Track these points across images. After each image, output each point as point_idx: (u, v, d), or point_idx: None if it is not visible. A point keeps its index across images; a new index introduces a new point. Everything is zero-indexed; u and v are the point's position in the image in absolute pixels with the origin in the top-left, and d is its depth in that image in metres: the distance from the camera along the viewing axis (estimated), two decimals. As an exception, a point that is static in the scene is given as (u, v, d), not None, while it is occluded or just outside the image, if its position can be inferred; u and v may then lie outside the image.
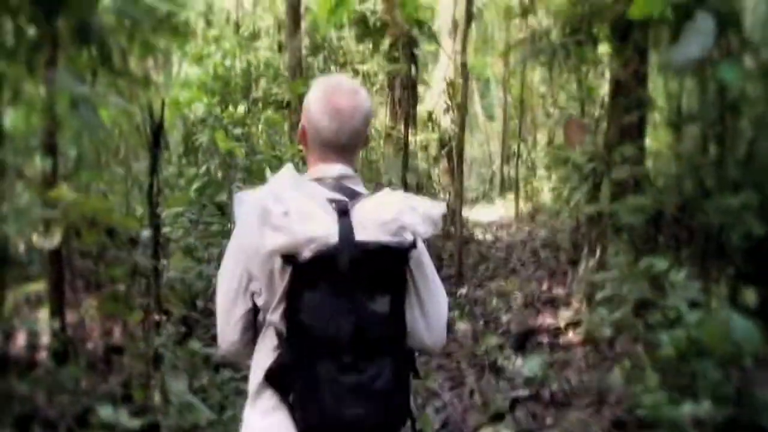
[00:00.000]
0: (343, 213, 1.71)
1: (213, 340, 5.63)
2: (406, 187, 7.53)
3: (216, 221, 4.78)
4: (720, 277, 4.86)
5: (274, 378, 1.73)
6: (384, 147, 10.04)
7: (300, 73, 6.85)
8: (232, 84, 6.86)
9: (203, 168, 5.30)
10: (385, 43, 9.60)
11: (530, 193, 14.21)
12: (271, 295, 1.73)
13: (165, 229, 4.39)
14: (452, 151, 10.04)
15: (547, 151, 16.94)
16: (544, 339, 5.77)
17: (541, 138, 20.40)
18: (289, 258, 1.63)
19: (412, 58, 9.59)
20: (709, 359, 3.55)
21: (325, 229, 1.65)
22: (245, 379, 3.66)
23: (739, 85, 4.35)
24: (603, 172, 5.57)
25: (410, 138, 10.13)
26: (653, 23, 5.12)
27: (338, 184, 1.80)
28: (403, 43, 8.83)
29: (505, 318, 6.62)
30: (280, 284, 1.69)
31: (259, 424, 1.77)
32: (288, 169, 1.80)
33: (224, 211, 4.64)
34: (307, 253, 1.63)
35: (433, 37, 10.70)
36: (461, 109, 8.14)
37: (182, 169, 4.95)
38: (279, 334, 1.72)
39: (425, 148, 10.21)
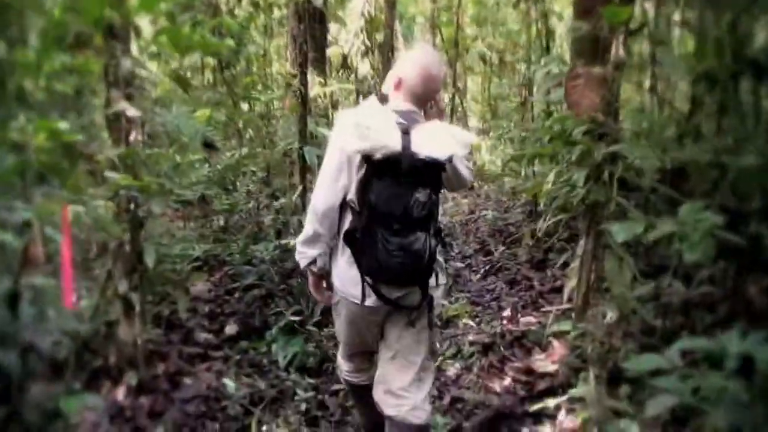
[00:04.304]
0: (405, 132, 2.62)
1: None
2: (303, 162, 5.14)
3: None
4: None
5: (348, 238, 2.68)
6: (283, 101, 7.52)
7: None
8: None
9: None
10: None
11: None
12: (351, 181, 2.65)
13: None
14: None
15: (482, 101, 14.75)
16: (522, 429, 3.57)
17: (472, 86, 18.18)
18: (367, 157, 2.57)
19: (319, -19, 7.08)
20: None
21: (393, 142, 2.57)
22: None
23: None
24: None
25: (321, 89, 7.68)
26: None
27: (406, 115, 2.72)
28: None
29: (453, 369, 4.38)
30: (356, 174, 2.63)
31: (348, 271, 2.72)
32: (372, 99, 2.83)
33: None
34: (378, 155, 2.55)
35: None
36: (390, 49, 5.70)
37: None
38: (352, 209, 2.66)
39: (335, 105, 7.70)
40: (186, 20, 7.85)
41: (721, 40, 3.49)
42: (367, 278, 2.68)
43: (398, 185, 2.58)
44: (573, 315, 4.42)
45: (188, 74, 8.88)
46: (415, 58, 2.83)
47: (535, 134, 3.98)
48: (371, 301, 2.72)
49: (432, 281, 2.76)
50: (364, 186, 2.62)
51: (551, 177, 4.02)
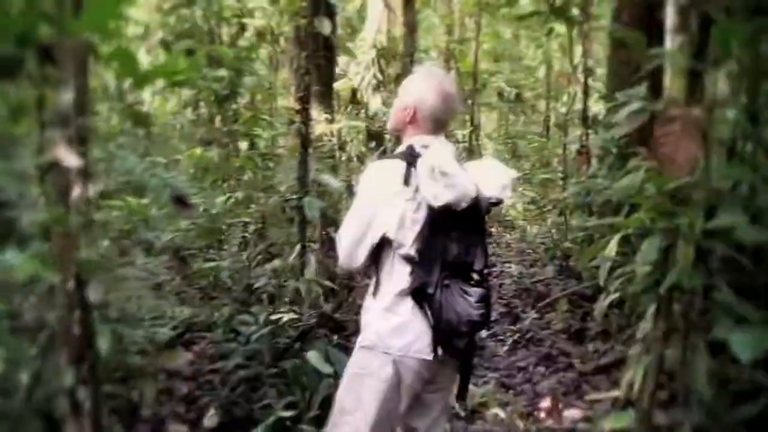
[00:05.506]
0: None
1: None
2: (303, 225, 4.32)
3: None
4: None
5: (417, 295, 2.37)
6: (287, 141, 6.71)
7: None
8: None
9: None
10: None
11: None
12: (403, 235, 2.37)
13: None
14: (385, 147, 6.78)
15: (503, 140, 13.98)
16: None
17: (487, 123, 17.39)
18: (445, 208, 2.32)
19: (327, 8, 6.29)
20: None
21: (472, 187, 2.37)
22: None
23: None
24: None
25: (328, 128, 6.86)
26: None
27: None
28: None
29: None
30: (411, 227, 2.35)
31: (410, 326, 2.40)
32: (433, 139, 2.49)
33: None
34: (464, 204, 2.34)
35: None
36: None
37: None
38: (412, 262, 2.37)
39: (342, 146, 6.86)
40: (180, 48, 7.06)
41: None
42: (441, 332, 2.39)
43: (471, 232, 2.44)
44: (633, 412, 3.56)
45: (185, 108, 8.10)
46: (426, 81, 2.55)
47: (600, 193, 3.13)
48: (440, 354, 2.42)
49: None
50: (435, 237, 2.37)
51: (613, 245, 3.17)
